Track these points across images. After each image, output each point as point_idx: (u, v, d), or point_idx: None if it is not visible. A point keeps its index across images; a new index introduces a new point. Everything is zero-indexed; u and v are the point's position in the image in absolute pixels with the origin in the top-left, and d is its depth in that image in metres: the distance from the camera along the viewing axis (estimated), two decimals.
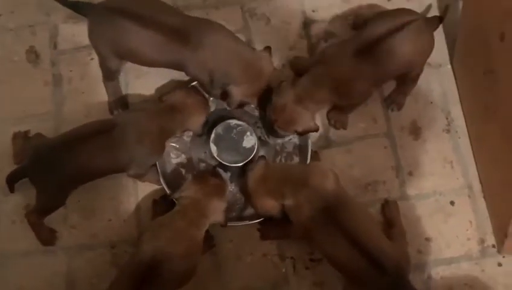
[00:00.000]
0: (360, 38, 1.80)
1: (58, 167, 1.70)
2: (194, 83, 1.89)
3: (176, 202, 1.73)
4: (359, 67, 1.77)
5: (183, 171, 1.91)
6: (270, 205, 1.72)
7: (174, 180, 1.86)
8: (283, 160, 1.94)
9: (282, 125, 1.82)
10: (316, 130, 1.84)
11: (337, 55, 1.80)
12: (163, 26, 1.74)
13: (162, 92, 1.87)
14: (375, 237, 1.65)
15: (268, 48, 1.84)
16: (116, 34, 1.76)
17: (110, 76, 1.91)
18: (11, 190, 1.77)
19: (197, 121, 1.84)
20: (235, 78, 1.78)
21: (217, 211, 1.72)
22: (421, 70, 1.91)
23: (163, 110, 1.81)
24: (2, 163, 1.85)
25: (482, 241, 1.88)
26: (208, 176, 1.77)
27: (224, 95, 1.85)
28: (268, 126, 1.88)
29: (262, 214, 1.77)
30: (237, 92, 1.81)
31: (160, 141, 1.79)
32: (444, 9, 1.90)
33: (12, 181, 1.76)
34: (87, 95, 1.96)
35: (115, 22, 1.74)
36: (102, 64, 1.87)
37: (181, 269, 1.62)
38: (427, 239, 1.87)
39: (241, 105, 1.87)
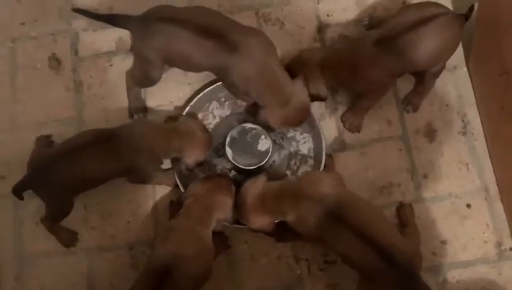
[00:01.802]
0: (384, 28, 1.79)
1: (54, 178, 1.71)
2: (187, 110, 1.91)
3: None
4: (378, 56, 1.76)
5: (200, 173, 1.93)
6: (265, 223, 1.72)
7: (191, 182, 1.88)
8: (297, 163, 1.95)
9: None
10: (324, 98, 1.87)
11: (357, 42, 1.85)
12: (211, 31, 1.74)
13: (178, 114, 1.92)
14: (386, 232, 1.63)
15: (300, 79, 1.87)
16: (169, 42, 1.75)
17: (147, 84, 1.92)
18: (20, 198, 1.76)
19: (194, 155, 1.82)
20: (264, 96, 1.80)
21: (222, 207, 1.72)
22: (443, 67, 1.88)
23: (165, 127, 1.83)
24: (25, 168, 1.85)
25: (499, 244, 1.87)
26: (213, 175, 1.79)
27: (253, 109, 1.87)
28: None
29: (255, 230, 1.75)
30: (263, 111, 1.83)
31: (155, 153, 1.79)
32: (469, 9, 1.86)
33: (18, 193, 1.75)
34: (107, 100, 2.01)
35: (167, 30, 1.74)
36: (145, 73, 1.86)
37: (195, 271, 1.62)
38: (443, 242, 1.87)
39: (268, 127, 1.87)
